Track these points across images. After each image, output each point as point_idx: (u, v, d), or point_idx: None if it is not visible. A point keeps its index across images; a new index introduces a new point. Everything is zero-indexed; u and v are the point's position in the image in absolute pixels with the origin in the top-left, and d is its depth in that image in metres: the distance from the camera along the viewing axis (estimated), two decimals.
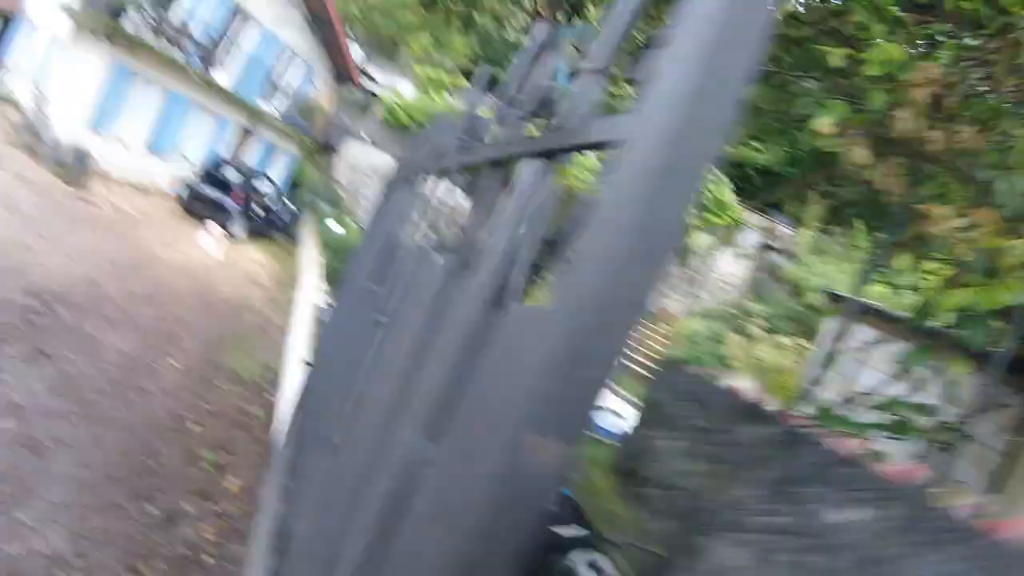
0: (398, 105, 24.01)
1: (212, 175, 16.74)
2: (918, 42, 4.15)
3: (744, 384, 11.35)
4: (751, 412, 5.65)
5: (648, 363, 14.43)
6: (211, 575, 4.36)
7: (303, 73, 21.50)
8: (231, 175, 16.91)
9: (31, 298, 7.09)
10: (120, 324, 7.46)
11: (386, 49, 31.64)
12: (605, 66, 1.41)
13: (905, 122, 3.18)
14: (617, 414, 9.64)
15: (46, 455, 4.97)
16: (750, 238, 20.85)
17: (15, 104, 15.39)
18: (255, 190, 17.09)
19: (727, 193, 19.85)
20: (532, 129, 1.88)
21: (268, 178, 18.78)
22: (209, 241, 14.06)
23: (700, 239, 19.16)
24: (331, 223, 18.87)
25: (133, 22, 15.05)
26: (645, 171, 0.91)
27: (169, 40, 15.99)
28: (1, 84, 16.44)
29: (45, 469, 4.84)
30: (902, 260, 4.91)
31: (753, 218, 21.06)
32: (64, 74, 14.80)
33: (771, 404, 7.78)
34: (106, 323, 7.31)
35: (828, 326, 9.86)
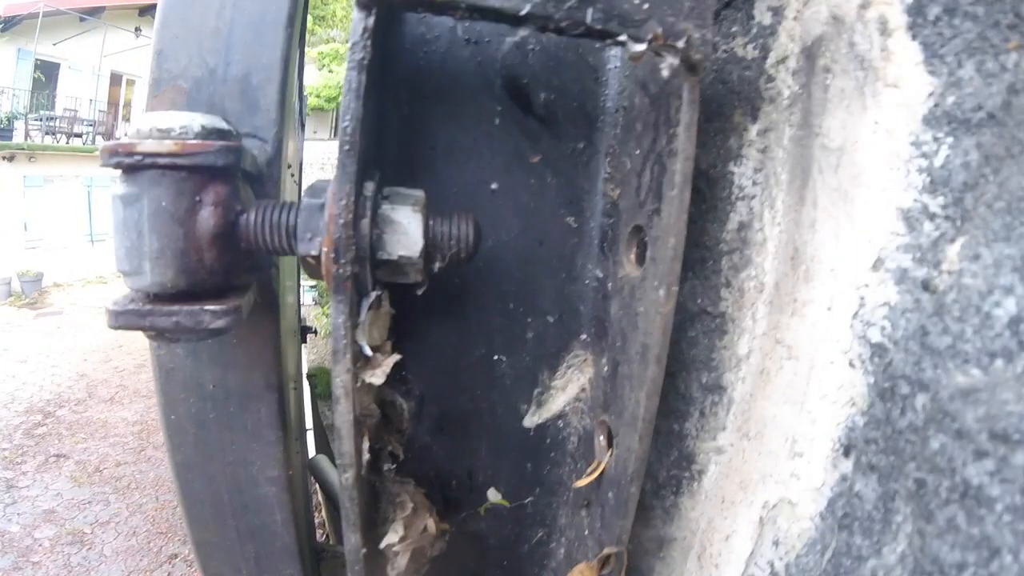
0: (308, 92, 23.30)
1: None
2: None
3: None
4: None
5: None
6: None
7: None
8: None
9: (32, 415, 7.11)
10: (120, 399, 7.51)
11: None
12: None
13: None
14: None
15: (92, 542, 5.02)
16: None
17: None
18: None
19: None
20: None
21: None
22: None
23: None
24: None
25: (23, 132, 14.66)
26: None
27: (65, 133, 15.56)
28: None
29: (95, 555, 4.89)
30: None
31: None
32: None
33: None
34: (107, 404, 7.35)
35: None
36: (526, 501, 0.77)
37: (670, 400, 0.75)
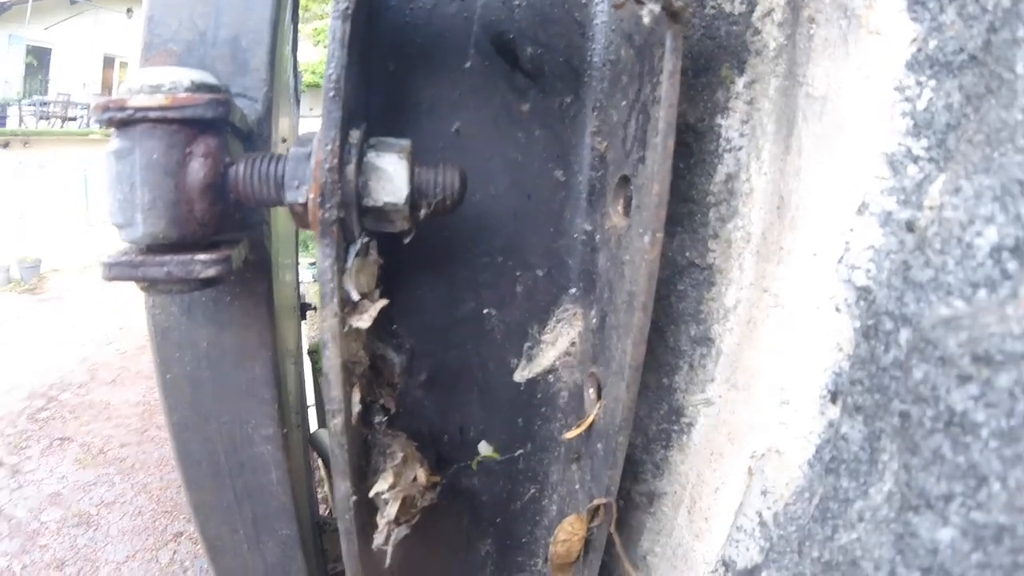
0: (303, 70, 23.06)
1: None
2: None
3: None
4: None
5: None
6: None
7: None
8: None
9: (35, 400, 7.14)
10: (122, 381, 7.55)
11: None
12: None
13: None
14: None
15: (98, 523, 5.07)
16: None
17: None
18: None
19: None
20: None
21: None
22: None
23: None
24: None
25: (17, 118, 14.57)
26: None
27: (60, 118, 15.45)
28: None
29: (102, 535, 4.94)
30: None
31: None
32: None
33: None
34: (109, 386, 7.38)
35: None
36: (517, 454, 0.79)
37: (659, 354, 0.76)
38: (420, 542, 0.82)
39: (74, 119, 16.12)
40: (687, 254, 0.75)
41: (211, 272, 0.59)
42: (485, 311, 0.74)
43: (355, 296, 0.55)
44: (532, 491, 0.85)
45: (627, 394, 0.61)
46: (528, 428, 0.79)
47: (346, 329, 0.55)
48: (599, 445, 0.66)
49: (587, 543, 0.70)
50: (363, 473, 0.63)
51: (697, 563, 0.71)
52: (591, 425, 0.68)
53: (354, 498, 0.56)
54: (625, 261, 0.63)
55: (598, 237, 0.72)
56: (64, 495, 5.28)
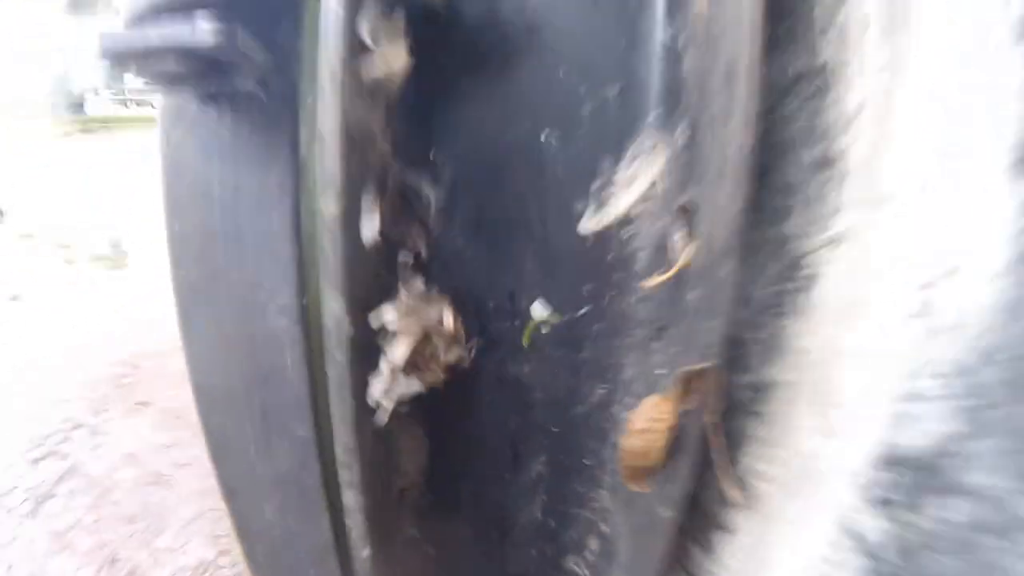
0: None
1: None
2: None
3: None
4: None
5: None
6: None
7: None
8: None
9: (116, 367, 7.51)
10: None
11: None
12: None
13: None
14: None
15: (170, 483, 5.23)
16: None
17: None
18: None
19: None
20: None
21: None
22: None
23: None
24: None
25: (98, 104, 15.48)
26: None
27: (138, 103, 16.30)
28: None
29: (173, 494, 5.09)
30: None
31: None
32: (65, 185, 15.57)
33: None
34: None
35: None
36: (580, 313, 0.61)
37: (764, 200, 0.57)
38: (451, 440, 0.67)
39: (151, 105, 17.02)
40: (791, 67, 0.57)
41: (211, 40, 0.46)
42: (543, 137, 0.58)
43: (369, 43, 0.41)
44: (599, 391, 0.68)
45: (733, 204, 0.44)
46: (597, 298, 0.62)
47: (355, 81, 0.40)
48: (694, 293, 0.49)
49: (675, 438, 0.53)
50: (366, 302, 0.48)
51: (831, 473, 0.53)
52: (683, 269, 0.51)
53: (348, 319, 0.41)
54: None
55: (681, 39, 0.55)
56: (139, 455, 5.50)
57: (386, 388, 0.46)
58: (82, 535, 4.23)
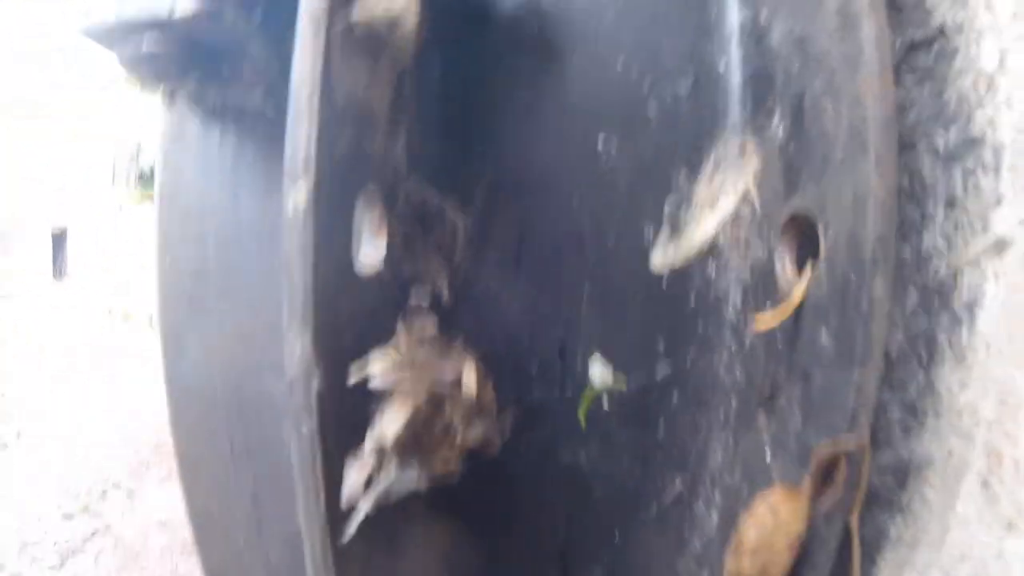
0: None
1: None
2: None
3: None
4: None
5: None
6: None
7: None
8: None
9: (158, 433, 7.56)
10: None
11: None
12: None
13: None
14: None
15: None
16: None
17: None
18: None
19: None
20: None
21: None
22: None
23: None
24: None
25: None
26: None
27: None
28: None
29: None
30: None
31: None
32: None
33: None
34: None
35: None
36: (654, 376, 0.46)
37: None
38: (480, 550, 0.51)
39: None
40: (899, 38, 0.43)
41: (191, 5, 0.37)
42: (601, 143, 0.45)
43: None
44: (678, 484, 0.52)
45: (877, 176, 0.30)
46: (675, 356, 0.47)
47: (342, 25, 0.28)
48: (821, 334, 0.34)
49: (803, 554, 0.36)
50: (354, 348, 0.34)
51: None
52: (801, 305, 0.36)
53: (319, 381, 0.28)
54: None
55: (763, 16, 0.43)
56: (172, 522, 5.38)
57: (366, 478, 0.32)
58: None
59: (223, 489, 0.61)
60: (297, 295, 0.28)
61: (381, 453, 0.31)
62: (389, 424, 0.31)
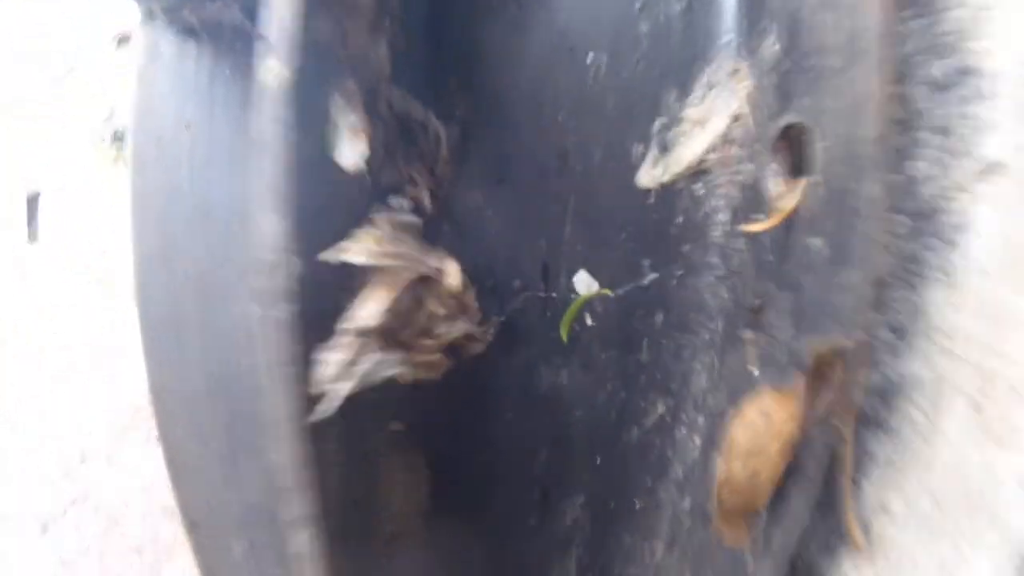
0: None
1: None
2: None
3: None
4: None
5: None
6: None
7: None
8: None
9: (140, 397, 7.50)
10: None
11: None
12: None
13: None
14: None
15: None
16: None
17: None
18: None
19: None
20: None
21: None
22: None
23: None
24: None
25: None
26: None
27: None
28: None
29: (182, 529, 4.93)
30: None
31: None
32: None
33: None
34: None
35: None
36: (638, 296, 0.45)
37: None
38: (459, 473, 0.51)
39: None
40: None
41: None
42: (589, 59, 0.44)
43: None
44: (659, 408, 0.51)
45: (870, 74, 0.29)
46: (660, 276, 0.47)
47: None
48: (814, 242, 0.34)
49: (792, 460, 0.36)
50: (329, 231, 0.33)
51: (1000, 503, 0.36)
52: (793, 213, 0.35)
53: (295, 261, 0.27)
54: None
55: None
56: (154, 487, 5.38)
57: (346, 363, 0.31)
58: (88, 563, 4.10)
59: (198, 424, 0.60)
60: (266, 167, 0.27)
61: (358, 337, 0.30)
62: (370, 307, 0.30)
